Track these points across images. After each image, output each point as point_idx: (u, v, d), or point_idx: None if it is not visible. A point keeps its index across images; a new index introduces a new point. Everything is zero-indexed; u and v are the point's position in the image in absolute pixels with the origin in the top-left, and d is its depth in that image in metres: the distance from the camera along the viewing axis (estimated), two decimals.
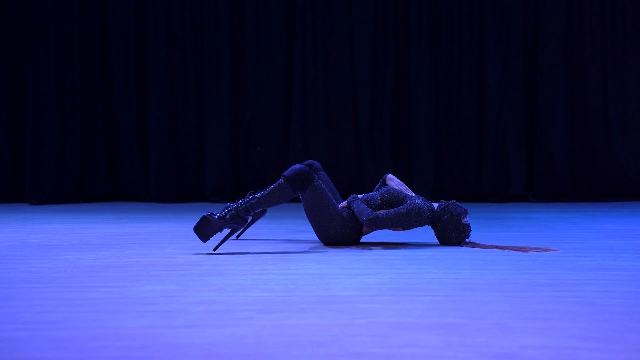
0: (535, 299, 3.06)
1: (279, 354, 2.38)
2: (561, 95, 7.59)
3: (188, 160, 7.88)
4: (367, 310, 2.89)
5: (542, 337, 2.52)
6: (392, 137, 7.74)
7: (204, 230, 4.21)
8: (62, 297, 3.19)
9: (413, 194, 4.54)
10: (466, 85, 7.73)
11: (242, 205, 4.31)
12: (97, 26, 7.85)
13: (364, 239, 4.71)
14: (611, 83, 7.59)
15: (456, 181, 7.73)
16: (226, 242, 4.47)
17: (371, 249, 4.38)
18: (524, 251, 4.25)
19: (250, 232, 5.07)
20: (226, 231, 4.70)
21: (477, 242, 4.51)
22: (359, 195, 4.53)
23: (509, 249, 4.30)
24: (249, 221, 4.70)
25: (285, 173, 4.43)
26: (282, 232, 5.23)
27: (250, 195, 4.57)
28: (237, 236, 4.86)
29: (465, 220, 4.46)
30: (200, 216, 4.25)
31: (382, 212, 4.40)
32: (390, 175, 4.70)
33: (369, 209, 4.40)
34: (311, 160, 4.84)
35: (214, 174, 7.78)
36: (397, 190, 4.52)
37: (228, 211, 4.26)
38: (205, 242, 4.26)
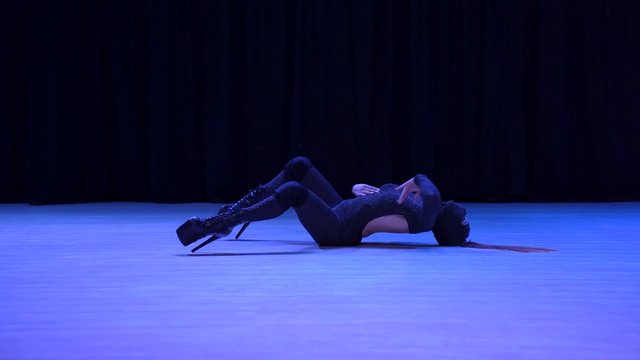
0: (535, 299, 3.05)
1: (278, 354, 2.38)
2: (561, 95, 7.59)
3: (188, 161, 7.88)
4: (367, 311, 2.88)
5: (542, 337, 2.52)
6: (392, 137, 7.74)
7: (185, 234, 4.16)
8: (62, 297, 3.18)
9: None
10: (466, 85, 7.73)
11: (229, 215, 4.21)
12: (97, 26, 7.85)
13: (364, 240, 4.71)
14: (611, 83, 7.59)
15: (456, 181, 7.73)
16: (226, 242, 4.45)
17: (371, 249, 4.38)
18: (523, 251, 4.25)
19: (250, 232, 5.07)
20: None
21: (477, 242, 4.51)
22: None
23: (509, 249, 4.30)
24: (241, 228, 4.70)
25: (277, 190, 4.27)
26: (282, 232, 5.23)
27: (252, 192, 4.54)
28: (237, 236, 4.86)
29: (464, 221, 4.46)
30: (185, 220, 4.21)
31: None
32: (420, 176, 4.35)
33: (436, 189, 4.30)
34: (299, 158, 4.77)
35: (214, 174, 7.78)
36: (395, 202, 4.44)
37: (215, 221, 4.18)
38: (185, 245, 4.22)
